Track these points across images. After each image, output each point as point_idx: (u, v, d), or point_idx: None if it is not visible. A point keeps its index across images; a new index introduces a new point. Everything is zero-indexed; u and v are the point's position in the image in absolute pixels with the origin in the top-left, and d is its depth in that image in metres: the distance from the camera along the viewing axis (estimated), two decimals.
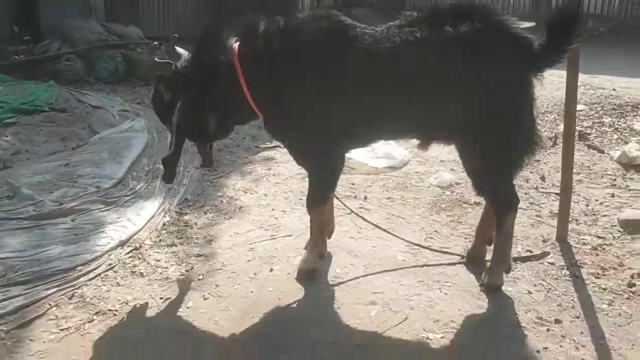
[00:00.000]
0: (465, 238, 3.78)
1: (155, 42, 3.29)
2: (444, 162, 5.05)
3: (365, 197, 4.40)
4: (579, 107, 6.44)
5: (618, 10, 10.33)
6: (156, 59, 3.19)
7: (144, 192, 4.19)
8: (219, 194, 4.46)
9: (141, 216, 3.86)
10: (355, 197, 4.41)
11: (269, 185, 4.63)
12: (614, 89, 7.34)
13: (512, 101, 2.91)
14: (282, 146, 5.34)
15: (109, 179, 4.18)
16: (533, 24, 11.00)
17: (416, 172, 4.86)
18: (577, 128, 5.71)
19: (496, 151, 2.99)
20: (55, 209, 3.76)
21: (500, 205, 3.15)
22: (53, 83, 6.47)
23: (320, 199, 3.33)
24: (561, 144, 5.35)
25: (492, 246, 3.34)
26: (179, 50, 3.37)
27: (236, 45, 3.10)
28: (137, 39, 7.94)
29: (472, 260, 3.46)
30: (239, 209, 4.24)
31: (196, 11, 9.36)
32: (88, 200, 3.89)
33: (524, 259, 3.50)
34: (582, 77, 7.84)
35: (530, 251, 3.58)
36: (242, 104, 3.12)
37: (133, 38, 7.92)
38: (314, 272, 3.33)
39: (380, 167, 4.94)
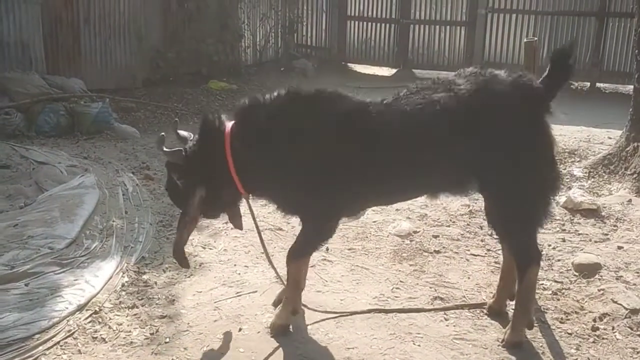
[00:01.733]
0: (431, 287, 3.82)
1: (163, 134, 3.35)
2: (399, 211, 5.12)
3: (327, 249, 4.39)
4: None
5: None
6: (165, 149, 3.21)
7: (99, 251, 4.04)
8: None
9: (99, 277, 3.71)
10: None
11: (227, 240, 4.56)
12: None
13: (535, 147, 3.02)
14: None
15: (62, 239, 4.01)
16: None
17: (374, 222, 4.90)
18: None
19: (524, 200, 3.04)
20: (7, 273, 3.56)
21: (525, 259, 3.13)
22: None
23: (307, 251, 3.32)
24: None
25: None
26: (182, 133, 3.38)
27: (229, 129, 3.14)
28: (79, 91, 7.77)
29: (494, 315, 3.45)
30: (199, 265, 4.14)
31: (137, 62, 9.27)
32: (42, 263, 3.71)
33: (470, 307, 3.57)
34: None
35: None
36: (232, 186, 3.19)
37: (75, 90, 7.74)
38: (287, 328, 3.27)
39: None
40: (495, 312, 3.46)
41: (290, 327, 3.32)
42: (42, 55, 8.15)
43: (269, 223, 4.84)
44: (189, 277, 3.96)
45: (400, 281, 3.91)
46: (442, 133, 2.99)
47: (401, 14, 12.01)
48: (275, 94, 3.16)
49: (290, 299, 3.32)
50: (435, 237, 4.59)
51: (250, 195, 3.33)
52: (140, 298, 3.66)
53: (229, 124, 3.19)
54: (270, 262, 3.57)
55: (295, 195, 3.17)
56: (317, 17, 12.78)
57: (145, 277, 3.93)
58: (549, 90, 3.06)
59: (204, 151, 3.18)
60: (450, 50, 11.74)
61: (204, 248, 4.42)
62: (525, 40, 3.51)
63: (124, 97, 8.52)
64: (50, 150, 6.14)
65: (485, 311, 3.51)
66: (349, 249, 4.42)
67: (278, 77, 11.16)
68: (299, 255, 3.27)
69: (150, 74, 9.49)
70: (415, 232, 4.68)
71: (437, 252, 4.34)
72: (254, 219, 3.50)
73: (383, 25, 12.29)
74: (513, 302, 3.35)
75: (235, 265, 4.15)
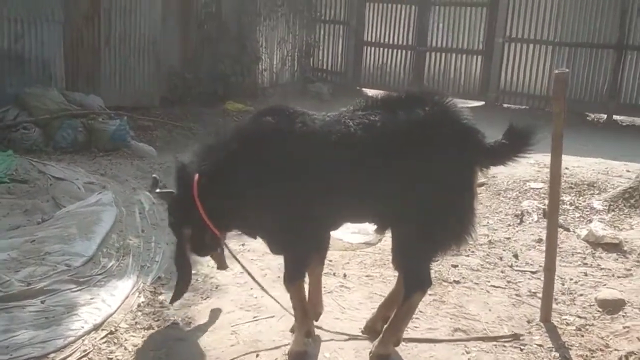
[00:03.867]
0: (451, 318, 3.75)
1: (155, 175, 3.67)
2: None
3: (345, 275, 4.34)
4: (539, 184, 6.67)
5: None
6: (158, 190, 3.45)
7: (115, 270, 4.01)
8: (193, 271, 4.28)
9: (115, 297, 3.68)
10: (334, 275, 4.34)
11: (244, 262, 4.49)
12: (566, 168, 7.61)
13: (454, 192, 3.00)
14: None
15: (79, 257, 3.98)
16: (482, 102, 11.57)
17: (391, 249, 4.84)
18: (541, 206, 5.90)
19: (428, 235, 3.05)
20: (24, 289, 3.53)
21: (412, 284, 3.16)
22: (12, 152, 6.23)
23: (296, 274, 3.32)
24: (529, 222, 5.52)
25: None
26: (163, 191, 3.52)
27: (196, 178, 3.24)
28: (98, 109, 7.81)
29: (370, 334, 3.44)
30: (216, 287, 4.10)
31: (155, 82, 9.33)
32: (58, 280, 3.68)
33: (491, 339, 3.49)
34: (533, 156, 8.23)
35: (515, 332, 3.57)
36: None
37: (94, 107, 7.79)
38: (305, 355, 3.23)
39: (355, 242, 4.92)
40: (371, 331, 3.46)
41: (309, 354, 3.25)
42: (62, 73, 8.23)
43: None
44: (205, 299, 3.92)
45: (420, 311, 3.82)
46: (362, 159, 2.99)
47: (418, 41, 12.05)
48: (223, 135, 3.32)
49: (300, 324, 3.31)
50: (455, 266, 4.52)
51: (227, 233, 3.54)
52: (156, 319, 3.61)
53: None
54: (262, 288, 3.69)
55: (258, 227, 3.36)
56: (333, 42, 12.84)
57: (161, 297, 3.88)
58: (495, 154, 3.02)
59: (180, 197, 3.32)
60: (466, 78, 11.73)
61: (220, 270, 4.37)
62: (556, 71, 3.46)
63: (142, 116, 8.55)
64: (68, 166, 6.14)
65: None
66: (367, 276, 4.36)
67: (294, 99, 11.17)
68: (288, 279, 3.32)
69: (168, 94, 9.54)
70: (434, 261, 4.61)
71: (457, 282, 4.27)
72: (235, 258, 3.70)
73: (399, 51, 12.32)
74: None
75: (252, 288, 4.08)
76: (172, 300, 3.54)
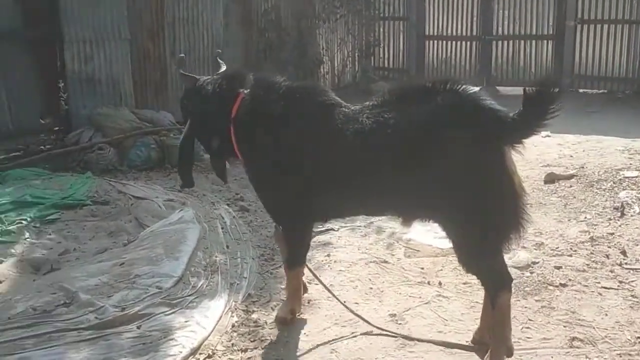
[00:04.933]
0: (565, 326, 3.46)
1: (182, 55, 4.13)
2: None
3: (440, 283, 4.11)
4: (633, 173, 6.24)
5: None
6: (181, 71, 3.58)
7: (206, 289, 3.91)
8: (282, 286, 4.15)
9: (209, 318, 3.57)
10: (428, 284, 4.12)
11: (332, 274, 4.35)
12: None
13: (486, 177, 2.88)
14: (335, 229, 5.19)
15: (169, 277, 3.91)
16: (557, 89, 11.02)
17: None
18: None
19: (476, 229, 2.93)
20: (119, 315, 3.47)
21: (490, 284, 3.05)
22: (90, 174, 6.29)
23: (298, 260, 3.61)
24: (630, 214, 5.13)
25: None
26: (221, 62, 3.76)
27: (241, 97, 3.37)
28: (169, 124, 7.84)
29: (479, 346, 3.25)
30: (308, 302, 3.94)
31: None
32: (151, 303, 3.61)
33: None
34: (621, 142, 7.76)
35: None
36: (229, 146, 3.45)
37: (165, 123, 7.82)
38: (287, 320, 3.58)
39: (445, 247, 4.64)
40: (479, 343, 3.28)
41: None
42: (131, 90, 8.30)
43: (373, 255, 4.60)
44: (298, 315, 3.77)
45: (530, 319, 3.57)
46: (395, 153, 2.98)
47: (483, 30, 11.65)
48: (283, 83, 3.38)
49: (290, 300, 3.65)
50: (558, 268, 4.22)
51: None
52: (252, 339, 3.49)
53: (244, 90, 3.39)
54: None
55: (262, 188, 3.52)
56: (394, 38, 12.58)
57: (254, 316, 3.76)
58: (520, 124, 2.81)
59: (214, 102, 3.41)
60: (537, 65, 11.25)
61: (309, 283, 4.21)
62: None
63: None
64: (145, 185, 6.15)
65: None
66: (464, 284, 4.11)
67: (358, 100, 10.97)
68: (291, 266, 3.60)
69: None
70: (534, 262, 4.32)
71: (563, 285, 3.97)
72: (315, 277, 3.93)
73: (464, 43, 11.95)
74: None
75: (345, 301, 3.92)
76: (184, 186, 3.85)
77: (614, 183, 5.97)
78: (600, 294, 3.82)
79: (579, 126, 8.52)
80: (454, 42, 12.05)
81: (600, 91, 10.75)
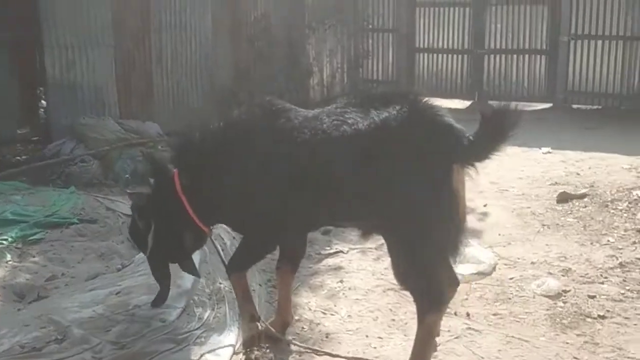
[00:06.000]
0: None
1: (127, 175, 3.68)
2: (535, 264, 4.48)
3: (468, 314, 3.78)
4: None
5: (638, 89, 10.18)
6: (128, 191, 3.54)
7: (213, 322, 3.51)
8: (296, 317, 3.78)
9: (220, 357, 3.17)
10: (455, 315, 3.78)
11: (349, 303, 3.99)
12: None
13: (431, 193, 2.79)
14: (345, 252, 4.84)
15: (172, 309, 3.49)
16: (550, 104, 10.88)
17: (510, 279, 4.27)
18: None
19: (414, 242, 2.85)
20: (119, 354, 3.05)
21: (422, 302, 2.90)
22: (74, 189, 5.84)
23: (240, 265, 3.37)
24: None
25: None
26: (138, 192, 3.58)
27: (176, 173, 3.24)
28: (156, 136, 7.42)
29: None
30: (326, 337, 3.57)
31: (209, 103, 8.94)
32: (155, 339, 3.19)
33: None
34: (626, 159, 7.56)
35: None
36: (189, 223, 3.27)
37: (152, 134, 7.40)
38: (255, 338, 3.25)
39: (467, 273, 4.32)
40: None
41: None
42: (115, 99, 7.86)
43: (390, 282, 4.23)
44: (320, 355, 3.39)
45: (575, 358, 3.25)
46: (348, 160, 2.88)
47: (475, 44, 11.44)
48: (210, 125, 3.29)
49: (242, 310, 3.34)
50: (592, 297, 3.93)
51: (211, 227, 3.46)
52: None
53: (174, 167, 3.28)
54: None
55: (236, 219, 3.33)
56: (383, 50, 12.32)
57: (269, 352, 3.37)
58: (476, 148, 2.75)
59: (159, 195, 3.30)
60: (530, 80, 11.07)
61: (325, 314, 3.85)
62: None
63: None
64: None
65: None
66: (494, 315, 3.79)
67: None
68: (232, 268, 3.36)
69: (222, 115, 9.12)
70: (565, 291, 4.02)
71: (602, 317, 3.68)
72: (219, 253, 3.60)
73: (455, 56, 11.73)
74: None
75: (367, 336, 3.57)
76: (155, 305, 3.42)
77: (629, 203, 5.73)
78: None
79: (578, 143, 8.36)
80: (445, 55, 11.83)
81: (595, 107, 10.61)
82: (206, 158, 3.19)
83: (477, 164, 2.82)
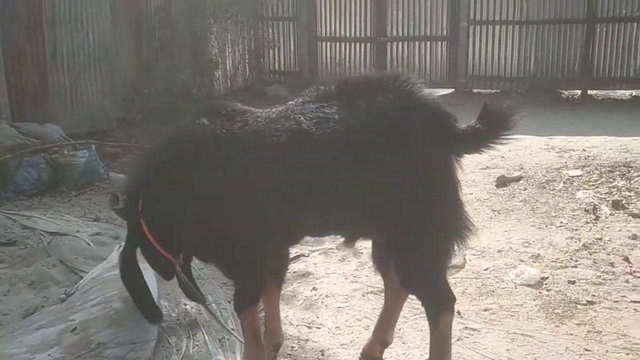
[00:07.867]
0: (628, 354, 3.09)
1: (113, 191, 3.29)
2: (502, 253, 4.39)
3: (459, 312, 3.58)
4: (576, 172, 6.20)
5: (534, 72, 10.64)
6: (113, 207, 3.02)
7: (194, 352, 3.06)
8: (287, 338, 3.39)
9: None
10: None
11: (331, 313, 3.67)
12: (584, 150, 7.22)
13: (431, 184, 2.63)
14: (306, 254, 4.50)
15: (144, 343, 2.99)
16: (452, 90, 11.10)
17: (485, 269, 4.15)
18: (601, 196, 5.41)
19: (420, 240, 2.66)
20: None
21: (432, 303, 2.73)
22: None
23: (249, 300, 2.84)
24: (604, 216, 4.98)
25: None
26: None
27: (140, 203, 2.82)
28: (60, 139, 6.59)
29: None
30: (321, 354, 3.23)
31: (110, 100, 8.17)
32: None
33: None
34: (540, 140, 7.81)
35: None
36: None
37: (55, 138, 6.56)
38: None
39: None
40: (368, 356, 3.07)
41: None
42: (6, 99, 6.91)
43: (366, 284, 4.00)
44: None
45: (586, 350, 3.15)
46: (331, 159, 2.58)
47: (377, 32, 11.42)
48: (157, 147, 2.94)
49: (250, 354, 2.88)
50: (572, 282, 3.89)
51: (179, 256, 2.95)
52: None
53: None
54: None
55: (207, 248, 2.85)
56: (284, 40, 11.99)
57: None
58: (468, 140, 2.62)
59: (130, 223, 2.93)
60: (432, 66, 11.23)
61: (310, 327, 3.50)
62: None
63: (111, 141, 7.40)
64: (54, 215, 4.98)
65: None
66: (485, 310, 3.63)
67: (254, 105, 10.18)
68: (240, 307, 2.87)
69: (126, 113, 8.38)
70: (543, 278, 3.95)
71: (592, 303, 3.63)
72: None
73: (357, 44, 11.65)
74: None
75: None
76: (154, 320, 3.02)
77: (564, 183, 5.85)
78: (636, 310, 3.52)
79: (469, 123, 8.49)
80: (347, 44, 11.72)
81: (494, 90, 10.96)
82: (156, 181, 2.78)
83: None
